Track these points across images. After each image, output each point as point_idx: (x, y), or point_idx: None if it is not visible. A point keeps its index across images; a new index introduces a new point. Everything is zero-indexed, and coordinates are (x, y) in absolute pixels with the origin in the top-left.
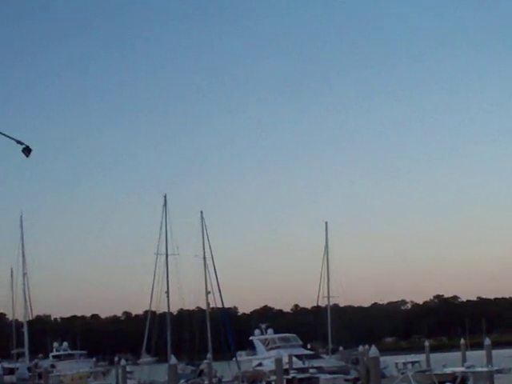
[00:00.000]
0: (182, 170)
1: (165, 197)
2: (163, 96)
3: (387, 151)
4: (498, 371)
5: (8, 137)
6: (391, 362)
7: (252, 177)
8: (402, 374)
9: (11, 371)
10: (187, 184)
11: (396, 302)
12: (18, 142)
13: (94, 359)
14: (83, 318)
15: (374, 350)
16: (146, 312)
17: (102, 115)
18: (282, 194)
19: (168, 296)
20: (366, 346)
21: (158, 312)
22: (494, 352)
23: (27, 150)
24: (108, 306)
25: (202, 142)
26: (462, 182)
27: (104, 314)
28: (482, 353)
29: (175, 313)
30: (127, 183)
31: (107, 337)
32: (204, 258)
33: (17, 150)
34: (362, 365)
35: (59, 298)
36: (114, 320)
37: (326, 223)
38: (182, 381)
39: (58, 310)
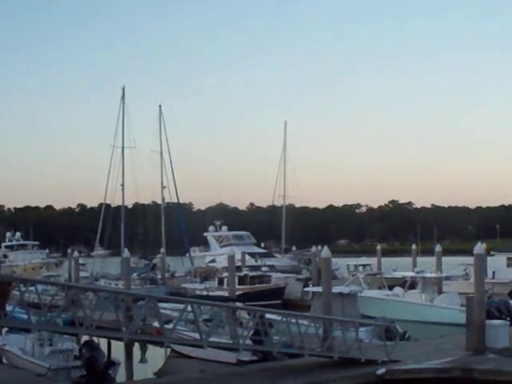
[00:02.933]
0: (141, 62)
1: (123, 89)
2: None
3: (348, 55)
4: (447, 278)
5: None
6: (343, 264)
7: (212, 72)
8: (353, 275)
9: None
10: (146, 77)
11: (351, 206)
12: None
13: (47, 250)
14: (37, 208)
15: (325, 251)
16: (101, 205)
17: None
18: (243, 90)
19: (123, 189)
20: (319, 247)
21: (112, 205)
22: (445, 259)
23: None
24: (63, 198)
25: (162, 33)
26: (427, 89)
27: (58, 205)
28: (432, 259)
29: (130, 206)
30: (84, 75)
31: (61, 228)
32: (161, 152)
33: None
34: (313, 265)
35: (13, 188)
36: (68, 212)
37: (286, 122)
38: (135, 274)
39: (12, 200)
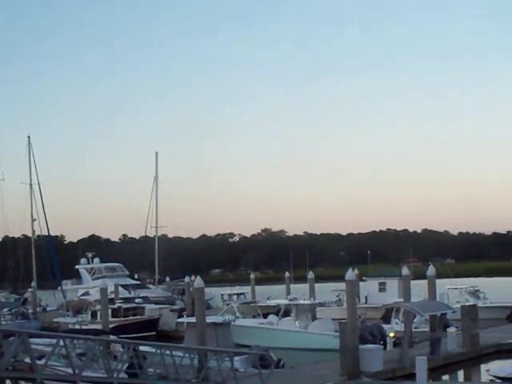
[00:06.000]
0: (10, 93)
1: None
2: None
3: (218, 84)
4: (320, 304)
5: None
6: (217, 294)
7: (82, 100)
8: (227, 305)
9: None
10: (14, 107)
11: (224, 235)
12: None
13: None
14: None
15: (198, 281)
16: None
17: None
18: (115, 121)
19: None
20: (193, 277)
21: None
22: (318, 285)
23: None
24: None
25: (31, 62)
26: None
27: None
28: (305, 286)
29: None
30: None
31: None
32: (30, 184)
33: None
34: (187, 295)
35: None
36: None
37: (157, 153)
38: (6, 310)
39: None
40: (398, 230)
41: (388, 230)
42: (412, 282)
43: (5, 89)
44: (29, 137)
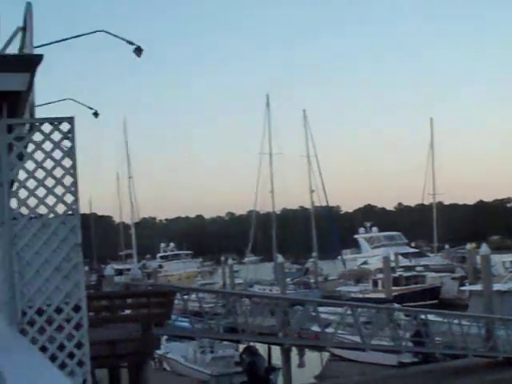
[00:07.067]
0: (284, 69)
1: (267, 96)
2: None
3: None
4: None
5: (119, 37)
6: (498, 261)
7: (353, 71)
8: (510, 272)
9: (120, 272)
10: (289, 82)
11: (502, 200)
12: (129, 43)
13: (201, 259)
14: (187, 218)
15: (484, 248)
16: (250, 212)
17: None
18: (385, 89)
19: (273, 195)
20: (473, 244)
21: (261, 212)
22: None
23: (138, 51)
24: (211, 207)
25: (303, 37)
26: None
27: (208, 214)
28: None
29: (278, 212)
30: (230, 84)
31: (211, 237)
32: (308, 156)
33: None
34: (469, 263)
35: (164, 200)
36: (217, 220)
37: (431, 119)
38: (289, 279)
39: (163, 212)
40: None
41: None
42: None
43: (280, 63)
44: (304, 110)
